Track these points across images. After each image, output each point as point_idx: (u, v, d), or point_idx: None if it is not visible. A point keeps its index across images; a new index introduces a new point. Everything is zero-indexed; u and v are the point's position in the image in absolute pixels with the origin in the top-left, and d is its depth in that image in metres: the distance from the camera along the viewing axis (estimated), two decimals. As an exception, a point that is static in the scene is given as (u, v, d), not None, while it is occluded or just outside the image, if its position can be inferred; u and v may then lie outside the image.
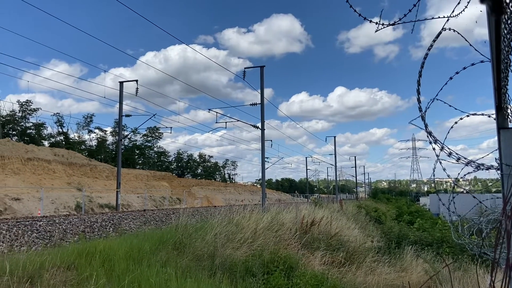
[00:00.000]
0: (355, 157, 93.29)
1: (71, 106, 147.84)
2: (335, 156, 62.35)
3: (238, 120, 39.21)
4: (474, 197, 3.82)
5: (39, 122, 56.98)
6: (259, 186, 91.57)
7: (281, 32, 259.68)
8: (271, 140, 59.87)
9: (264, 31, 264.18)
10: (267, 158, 42.09)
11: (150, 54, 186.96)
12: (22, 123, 55.85)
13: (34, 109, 55.85)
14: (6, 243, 13.68)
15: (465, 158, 2.89)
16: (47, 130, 58.92)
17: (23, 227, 14.56)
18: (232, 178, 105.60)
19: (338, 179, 71.36)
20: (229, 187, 79.23)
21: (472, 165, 2.92)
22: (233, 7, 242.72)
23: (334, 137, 63.10)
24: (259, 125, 27.85)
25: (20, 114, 54.93)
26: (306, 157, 75.98)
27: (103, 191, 42.95)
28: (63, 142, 57.82)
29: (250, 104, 28.60)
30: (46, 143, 56.64)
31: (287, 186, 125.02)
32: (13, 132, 54.39)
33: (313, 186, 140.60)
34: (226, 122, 36.64)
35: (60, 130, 60.18)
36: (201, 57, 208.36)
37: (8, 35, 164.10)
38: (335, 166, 63.64)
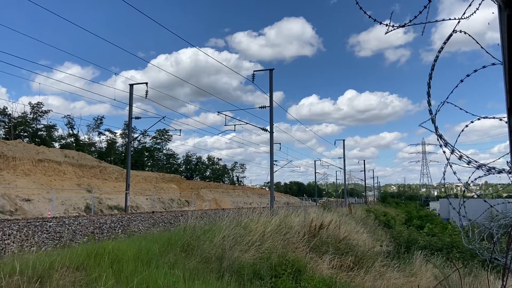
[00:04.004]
0: (364, 160, 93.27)
1: (83, 108, 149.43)
2: (344, 160, 62.12)
3: (247, 123, 39.45)
4: (485, 201, 3.76)
5: (50, 124, 57.71)
6: (267, 189, 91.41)
7: (292, 36, 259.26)
8: (280, 143, 59.93)
9: (275, 35, 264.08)
10: (275, 161, 42.07)
11: (162, 57, 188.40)
12: (33, 125, 56.54)
13: (45, 111, 56.59)
14: (17, 243, 13.83)
15: (476, 162, 2.86)
16: (57, 132, 59.64)
17: (33, 228, 14.71)
18: (241, 181, 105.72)
19: (347, 183, 71.05)
20: (238, 190, 79.27)
21: (483, 168, 2.89)
22: (244, 10, 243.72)
23: (343, 140, 62.85)
24: (268, 128, 27.87)
25: (31, 116, 55.63)
26: (315, 161, 75.78)
27: (112, 192, 43.25)
28: (74, 144, 58.37)
29: (259, 107, 28.66)
30: (56, 144, 57.27)
31: (296, 189, 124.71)
32: (25, 134, 55.06)
33: (321, 189, 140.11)
34: (235, 125, 36.99)
35: (71, 132, 60.82)
36: (212, 60, 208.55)
37: (23, 39, 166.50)
38: (344, 169, 63.38)
